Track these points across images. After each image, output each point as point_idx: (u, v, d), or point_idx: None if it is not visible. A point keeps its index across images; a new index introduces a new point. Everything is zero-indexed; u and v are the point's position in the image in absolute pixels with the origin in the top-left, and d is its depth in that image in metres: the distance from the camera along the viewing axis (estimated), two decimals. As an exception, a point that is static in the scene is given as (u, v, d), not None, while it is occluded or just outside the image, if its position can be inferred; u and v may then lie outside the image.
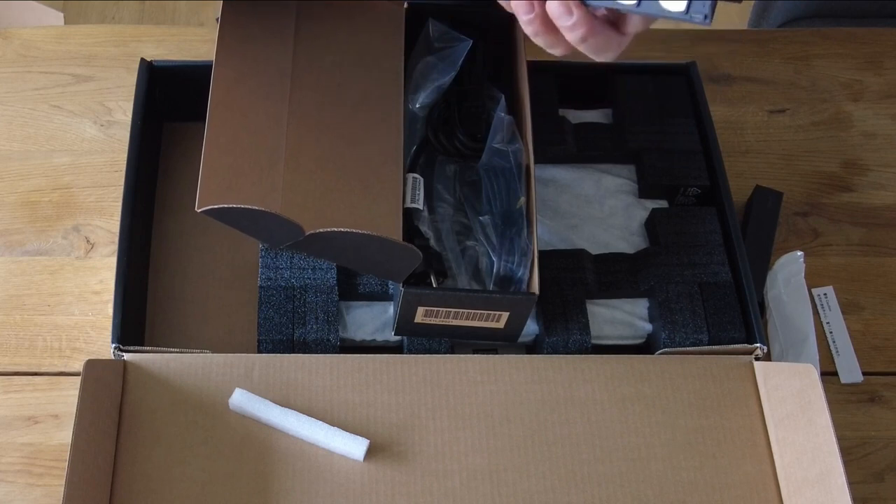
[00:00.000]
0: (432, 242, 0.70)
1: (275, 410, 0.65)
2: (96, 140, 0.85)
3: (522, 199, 0.70)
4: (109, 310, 0.70)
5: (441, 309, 0.68)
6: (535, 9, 0.55)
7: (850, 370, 0.78)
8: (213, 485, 0.63)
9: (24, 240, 0.80)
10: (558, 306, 0.72)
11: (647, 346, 0.75)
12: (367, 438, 0.64)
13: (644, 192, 0.80)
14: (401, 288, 0.66)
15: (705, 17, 0.50)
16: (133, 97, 0.77)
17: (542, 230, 0.77)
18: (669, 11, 0.51)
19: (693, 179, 0.78)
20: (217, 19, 0.68)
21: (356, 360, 0.68)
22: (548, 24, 0.56)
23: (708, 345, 0.71)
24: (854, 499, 0.59)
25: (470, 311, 0.68)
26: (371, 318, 0.73)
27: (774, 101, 0.92)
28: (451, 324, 0.69)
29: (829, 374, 0.77)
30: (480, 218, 0.71)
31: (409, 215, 0.69)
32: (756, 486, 0.66)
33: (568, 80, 0.83)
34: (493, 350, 0.74)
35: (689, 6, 0.51)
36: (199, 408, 0.66)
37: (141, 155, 0.75)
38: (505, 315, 0.68)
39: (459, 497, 0.64)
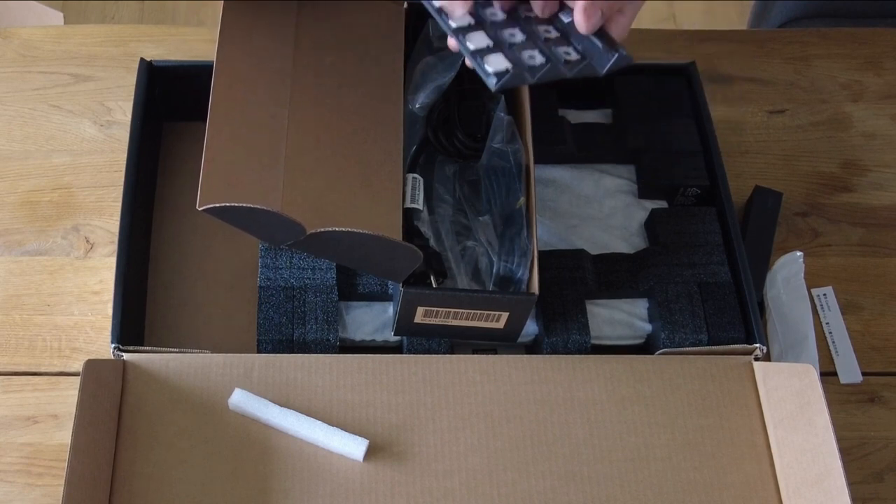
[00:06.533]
0: (432, 242, 0.70)
1: (274, 410, 0.65)
2: (96, 140, 0.85)
3: (522, 200, 0.70)
4: (109, 310, 0.70)
5: (441, 309, 0.68)
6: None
7: (849, 370, 0.78)
8: (213, 485, 0.63)
9: (23, 240, 0.80)
10: (558, 306, 0.72)
11: (646, 347, 0.75)
12: (367, 438, 0.64)
13: (644, 192, 0.80)
14: (400, 288, 0.66)
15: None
16: (133, 97, 0.77)
17: (542, 230, 0.77)
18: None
19: (693, 179, 0.78)
20: None
21: (356, 360, 0.68)
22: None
23: (707, 345, 0.71)
24: (854, 499, 0.59)
25: (469, 311, 0.68)
26: (371, 318, 0.73)
27: (774, 102, 0.92)
28: (450, 324, 0.69)
29: (828, 374, 0.77)
30: (480, 218, 0.71)
31: (409, 215, 0.69)
32: (756, 487, 0.66)
33: (568, 80, 0.82)
34: (492, 350, 0.74)
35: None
36: (199, 408, 0.66)
37: (141, 155, 0.75)
38: (504, 315, 0.68)
39: (459, 497, 0.64)
